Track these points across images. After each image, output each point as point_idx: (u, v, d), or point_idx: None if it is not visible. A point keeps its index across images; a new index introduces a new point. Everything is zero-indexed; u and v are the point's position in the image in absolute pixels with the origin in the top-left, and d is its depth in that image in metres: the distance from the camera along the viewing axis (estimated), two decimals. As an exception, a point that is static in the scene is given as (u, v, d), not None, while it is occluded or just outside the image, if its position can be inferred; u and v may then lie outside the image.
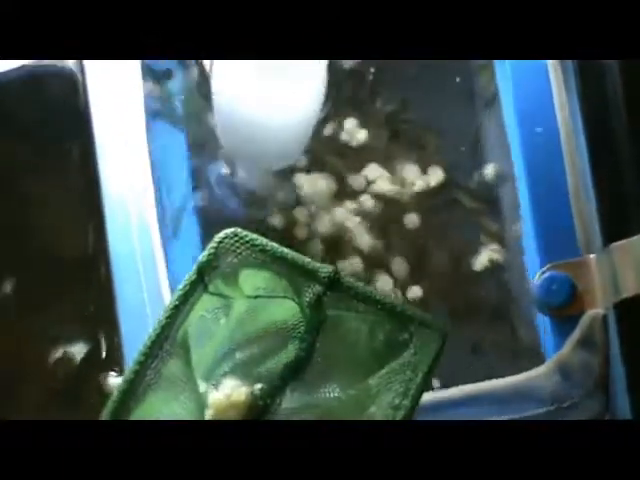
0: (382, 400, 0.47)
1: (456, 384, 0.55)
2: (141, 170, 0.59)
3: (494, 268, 0.66)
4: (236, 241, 0.48)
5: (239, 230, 0.49)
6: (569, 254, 0.57)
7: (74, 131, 0.59)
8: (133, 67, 0.60)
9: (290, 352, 0.49)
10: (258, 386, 0.48)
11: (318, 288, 0.49)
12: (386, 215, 0.66)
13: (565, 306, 0.56)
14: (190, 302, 0.48)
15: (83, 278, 0.58)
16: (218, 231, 0.51)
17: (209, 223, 0.66)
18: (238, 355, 0.49)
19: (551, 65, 0.60)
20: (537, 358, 0.57)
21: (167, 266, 0.58)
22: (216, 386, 0.48)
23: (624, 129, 0.55)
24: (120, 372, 0.56)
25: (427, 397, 0.53)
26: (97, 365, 0.57)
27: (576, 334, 0.55)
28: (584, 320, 0.55)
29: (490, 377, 0.56)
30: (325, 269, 0.49)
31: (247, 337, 0.49)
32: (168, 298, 0.56)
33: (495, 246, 0.66)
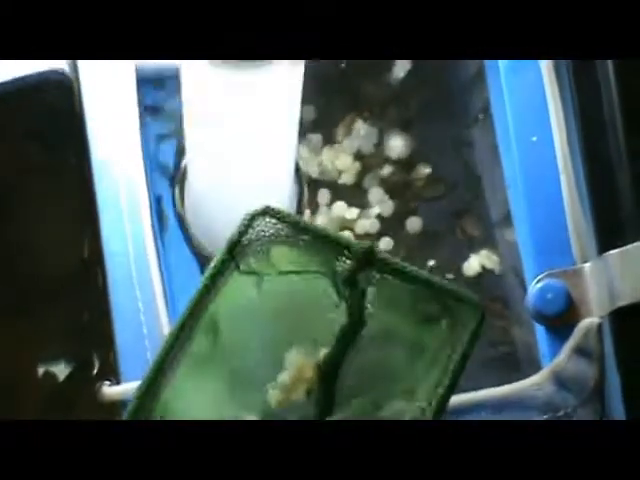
0: (426, 378, 0.47)
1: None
2: (136, 177, 0.59)
3: (487, 275, 0.66)
4: (267, 217, 0.49)
5: (270, 206, 0.49)
6: (564, 263, 0.57)
7: (68, 139, 0.59)
8: (128, 77, 0.60)
9: (339, 321, 0.48)
10: (321, 354, 0.48)
11: (353, 264, 0.48)
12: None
13: (560, 315, 0.56)
14: (221, 281, 0.48)
15: (77, 288, 0.58)
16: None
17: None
18: (282, 333, 0.49)
19: (546, 75, 0.60)
20: (532, 367, 0.57)
21: (161, 275, 0.57)
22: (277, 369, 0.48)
23: (620, 137, 0.55)
24: (116, 382, 0.56)
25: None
26: (92, 375, 0.57)
27: (571, 343, 0.55)
28: (579, 329, 0.55)
29: (485, 386, 0.56)
30: (360, 244, 0.48)
31: (288, 316, 0.49)
32: (162, 307, 0.56)
33: (487, 253, 0.66)
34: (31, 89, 0.57)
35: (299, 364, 0.48)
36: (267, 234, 0.49)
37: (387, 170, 0.68)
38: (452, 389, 0.46)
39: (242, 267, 0.49)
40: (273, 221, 0.49)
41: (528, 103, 0.60)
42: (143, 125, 0.60)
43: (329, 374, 0.48)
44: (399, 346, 0.48)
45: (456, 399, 0.55)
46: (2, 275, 0.57)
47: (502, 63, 0.60)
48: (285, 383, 0.48)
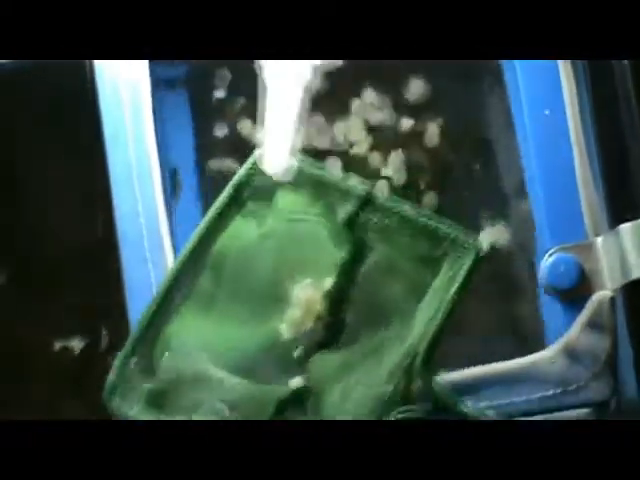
0: (421, 315, 0.49)
1: (461, 368, 0.55)
2: (147, 152, 0.58)
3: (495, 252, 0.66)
4: None
5: None
6: (576, 237, 0.57)
7: (80, 116, 0.59)
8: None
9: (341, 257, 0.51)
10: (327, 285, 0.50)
11: (351, 207, 0.50)
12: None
13: (572, 288, 0.56)
14: (225, 220, 0.50)
15: (91, 264, 0.58)
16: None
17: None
18: (285, 271, 0.51)
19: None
20: (538, 345, 0.57)
21: (173, 250, 0.57)
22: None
23: (633, 112, 0.55)
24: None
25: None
26: (104, 352, 0.57)
27: (583, 316, 0.55)
28: (592, 302, 0.55)
29: (495, 360, 0.56)
30: (359, 187, 0.50)
31: (291, 255, 0.51)
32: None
33: (499, 226, 0.66)
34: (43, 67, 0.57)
35: (307, 297, 0.49)
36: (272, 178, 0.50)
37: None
38: (441, 328, 0.48)
39: (248, 206, 0.51)
40: None
41: (541, 77, 0.59)
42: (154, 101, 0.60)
43: (336, 304, 0.50)
44: (398, 283, 0.50)
45: (468, 373, 0.55)
46: (17, 255, 0.58)
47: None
48: (295, 317, 0.49)
